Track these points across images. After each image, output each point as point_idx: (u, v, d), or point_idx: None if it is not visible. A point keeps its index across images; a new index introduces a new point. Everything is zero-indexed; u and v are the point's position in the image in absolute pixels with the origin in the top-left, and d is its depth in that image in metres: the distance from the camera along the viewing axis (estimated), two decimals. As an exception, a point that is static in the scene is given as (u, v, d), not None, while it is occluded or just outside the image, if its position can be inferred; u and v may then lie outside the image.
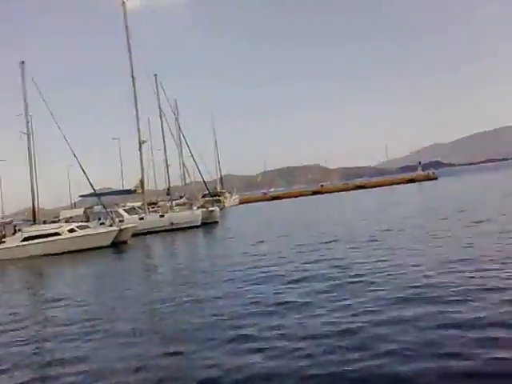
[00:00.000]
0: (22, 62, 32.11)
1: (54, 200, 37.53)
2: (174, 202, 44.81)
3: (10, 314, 11.72)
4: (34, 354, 8.08)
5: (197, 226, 36.03)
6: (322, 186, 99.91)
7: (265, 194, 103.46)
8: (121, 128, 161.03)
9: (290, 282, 11.34)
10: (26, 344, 8.72)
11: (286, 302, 9.41)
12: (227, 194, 77.76)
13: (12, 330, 9.97)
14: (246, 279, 12.39)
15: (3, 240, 29.17)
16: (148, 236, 33.40)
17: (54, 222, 34.90)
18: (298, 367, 6.16)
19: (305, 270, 12.57)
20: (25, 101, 31.83)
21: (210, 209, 39.96)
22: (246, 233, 27.09)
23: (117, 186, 61.31)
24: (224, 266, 15.02)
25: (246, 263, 15.04)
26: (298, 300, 9.50)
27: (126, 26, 38.04)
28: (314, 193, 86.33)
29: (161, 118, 44.51)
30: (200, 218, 37.17)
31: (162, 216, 37.67)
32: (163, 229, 35.63)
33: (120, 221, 33.42)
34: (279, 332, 7.60)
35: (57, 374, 6.95)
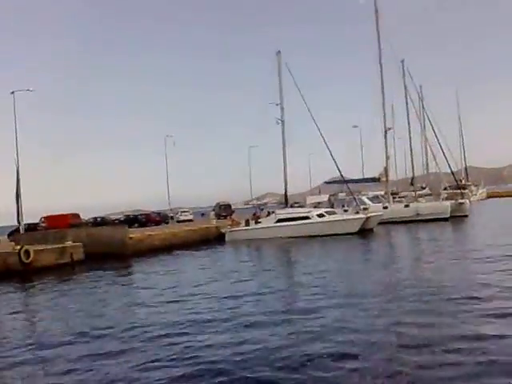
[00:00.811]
0: (279, 52, 33.04)
1: (295, 186, 38.13)
2: (417, 193, 42.52)
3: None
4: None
5: (445, 219, 33.48)
6: None
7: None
8: (355, 117, 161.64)
9: None
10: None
11: None
12: (473, 187, 70.78)
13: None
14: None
15: (259, 220, 31.70)
16: (392, 225, 32.27)
17: (299, 206, 36.53)
18: None
19: None
20: (280, 89, 32.64)
21: (460, 201, 36.84)
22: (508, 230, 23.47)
23: (352, 174, 61.49)
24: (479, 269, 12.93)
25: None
26: None
27: (376, 11, 37.32)
28: None
29: (406, 103, 42.45)
30: (449, 210, 34.46)
31: (406, 206, 36.16)
32: (408, 219, 34.07)
33: (364, 209, 33.09)
34: None
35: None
